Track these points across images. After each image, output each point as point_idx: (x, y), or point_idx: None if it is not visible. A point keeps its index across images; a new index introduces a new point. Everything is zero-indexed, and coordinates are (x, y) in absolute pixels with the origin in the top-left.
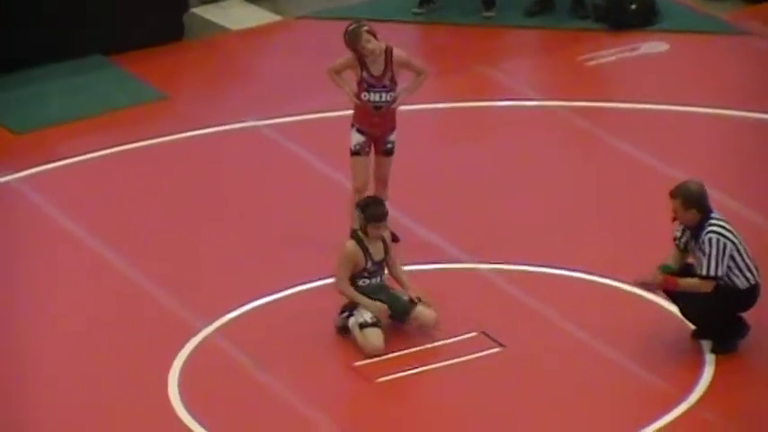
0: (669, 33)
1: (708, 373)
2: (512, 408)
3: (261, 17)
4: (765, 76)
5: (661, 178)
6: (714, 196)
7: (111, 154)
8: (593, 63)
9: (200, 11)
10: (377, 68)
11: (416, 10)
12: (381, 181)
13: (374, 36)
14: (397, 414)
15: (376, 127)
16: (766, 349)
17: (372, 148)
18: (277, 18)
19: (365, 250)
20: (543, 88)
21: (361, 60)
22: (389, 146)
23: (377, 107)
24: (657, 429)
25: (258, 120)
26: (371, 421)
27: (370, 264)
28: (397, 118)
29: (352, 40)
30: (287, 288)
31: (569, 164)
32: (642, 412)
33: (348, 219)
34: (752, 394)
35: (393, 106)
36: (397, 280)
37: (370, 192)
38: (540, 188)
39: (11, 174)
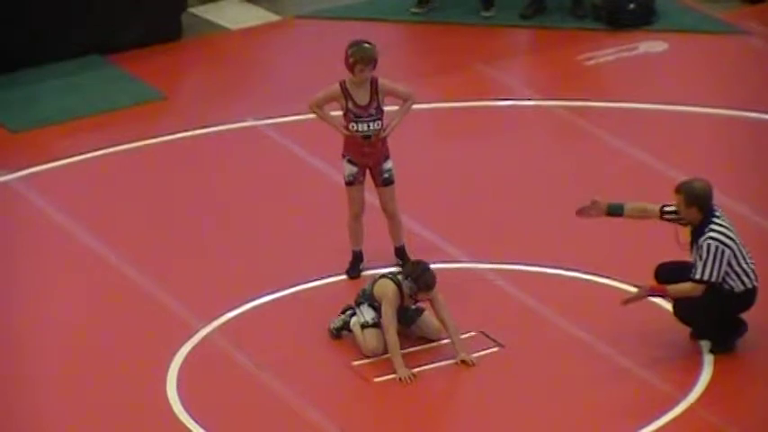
0: (668, 33)
1: (706, 372)
2: (510, 407)
3: (259, 16)
4: (764, 76)
5: (660, 178)
6: (713, 196)
7: (110, 154)
8: (591, 62)
9: (198, 10)
10: (362, 98)
11: (415, 9)
12: (391, 216)
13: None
14: (394, 413)
15: (367, 157)
16: (765, 349)
17: (372, 180)
18: (275, 17)
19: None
20: (542, 88)
21: (346, 90)
22: (386, 175)
23: (366, 137)
24: (656, 429)
25: (257, 119)
26: (369, 420)
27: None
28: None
29: (370, 56)
30: (286, 288)
31: (568, 163)
32: (641, 412)
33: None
34: (750, 394)
35: (383, 135)
36: (443, 322)
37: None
38: (539, 188)
39: (9, 173)
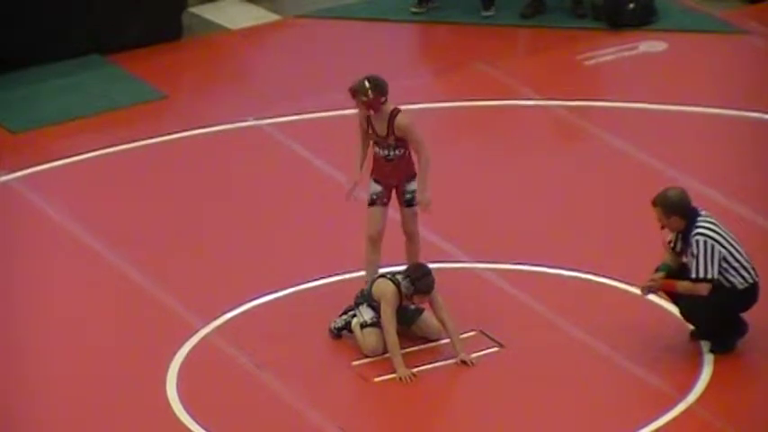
0: (668, 32)
1: (706, 372)
2: (510, 407)
3: (259, 16)
4: (764, 76)
5: (659, 177)
6: (713, 196)
7: (110, 153)
8: (591, 62)
9: (198, 10)
10: (381, 129)
11: (415, 9)
12: (410, 237)
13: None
14: (394, 413)
15: (389, 176)
16: (764, 349)
17: (396, 201)
18: (275, 17)
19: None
20: (542, 87)
21: (369, 117)
22: (409, 196)
23: (387, 159)
24: (656, 429)
25: (257, 119)
26: (369, 420)
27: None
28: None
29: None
30: (286, 288)
31: (567, 163)
32: (640, 412)
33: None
34: (750, 394)
35: (418, 205)
36: (442, 323)
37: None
38: (539, 187)
39: (9, 173)
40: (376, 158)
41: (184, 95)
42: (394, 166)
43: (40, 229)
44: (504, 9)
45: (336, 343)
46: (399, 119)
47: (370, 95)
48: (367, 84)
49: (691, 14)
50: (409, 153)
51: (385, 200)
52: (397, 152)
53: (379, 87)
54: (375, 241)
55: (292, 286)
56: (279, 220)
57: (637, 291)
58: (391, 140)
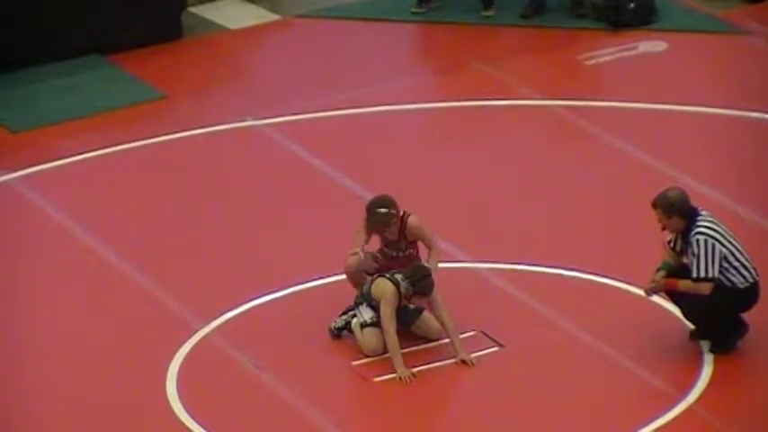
0: (668, 32)
1: (706, 372)
2: (510, 407)
3: (259, 16)
4: (764, 76)
5: (659, 177)
6: (713, 196)
7: (110, 153)
8: (591, 62)
9: (198, 10)
10: (392, 233)
11: (415, 9)
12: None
13: (395, 214)
14: (394, 413)
15: (390, 267)
16: (764, 349)
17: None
18: (275, 17)
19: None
20: (542, 87)
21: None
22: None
23: (394, 257)
24: (655, 429)
25: (257, 119)
26: (369, 420)
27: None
28: (396, 118)
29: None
30: (285, 288)
31: (567, 163)
32: (640, 411)
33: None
34: (750, 394)
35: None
36: (440, 322)
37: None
38: (539, 187)
39: (9, 173)
40: (382, 253)
41: (184, 95)
42: (400, 262)
43: (39, 229)
44: (504, 9)
45: (336, 343)
46: (411, 223)
47: (393, 212)
48: (384, 210)
49: (691, 14)
50: (417, 253)
51: (375, 267)
52: (406, 252)
53: (392, 202)
54: (351, 273)
55: (292, 286)
56: (278, 220)
57: (637, 290)
58: (402, 243)
